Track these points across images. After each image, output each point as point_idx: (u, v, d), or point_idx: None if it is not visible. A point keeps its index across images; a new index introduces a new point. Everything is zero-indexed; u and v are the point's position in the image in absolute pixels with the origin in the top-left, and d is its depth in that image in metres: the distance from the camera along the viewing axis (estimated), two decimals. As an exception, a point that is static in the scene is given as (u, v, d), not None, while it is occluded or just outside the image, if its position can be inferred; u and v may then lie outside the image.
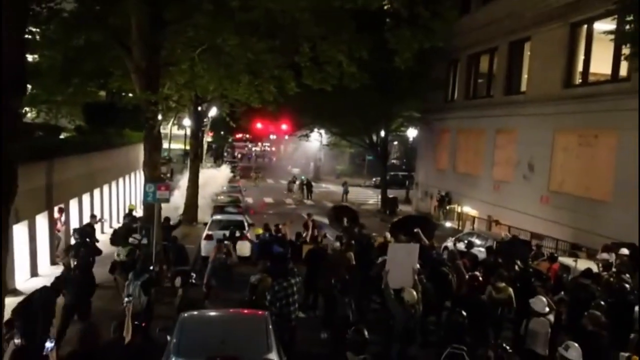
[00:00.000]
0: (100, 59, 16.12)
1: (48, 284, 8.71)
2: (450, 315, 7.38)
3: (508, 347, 6.44)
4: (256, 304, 9.31)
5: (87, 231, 14.56)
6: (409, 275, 8.22)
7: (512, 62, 23.82)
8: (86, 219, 18.51)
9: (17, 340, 6.28)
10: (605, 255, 13.94)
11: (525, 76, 22.82)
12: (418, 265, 8.65)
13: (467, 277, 10.16)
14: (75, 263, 11.01)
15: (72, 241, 14.61)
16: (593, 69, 19.14)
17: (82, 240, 13.43)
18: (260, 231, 14.81)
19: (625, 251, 13.28)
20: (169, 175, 37.15)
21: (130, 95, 17.31)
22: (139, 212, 18.33)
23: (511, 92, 23.73)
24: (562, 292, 10.66)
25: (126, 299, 6.62)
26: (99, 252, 13.18)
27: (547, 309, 8.30)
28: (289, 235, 14.76)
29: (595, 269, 11.83)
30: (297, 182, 39.74)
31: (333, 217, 19.11)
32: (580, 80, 19.62)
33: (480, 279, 9.96)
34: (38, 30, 17.33)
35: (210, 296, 11.66)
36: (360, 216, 29.00)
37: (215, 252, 12.32)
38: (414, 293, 7.74)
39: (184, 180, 26.45)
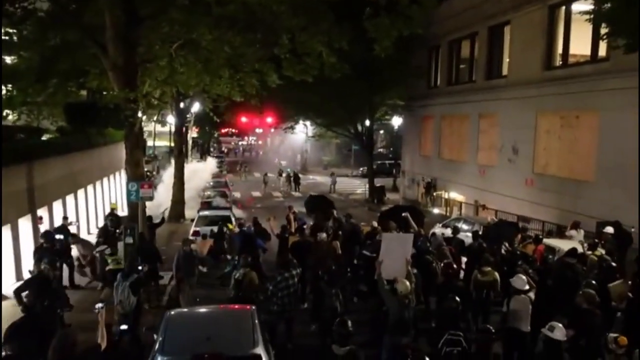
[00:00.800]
0: (77, 58, 15.91)
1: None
2: (443, 301, 7.38)
3: (492, 329, 6.47)
4: (243, 300, 9.26)
5: (60, 232, 13.96)
6: (403, 266, 8.17)
7: (493, 47, 23.88)
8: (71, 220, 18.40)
9: None
10: (573, 232, 14.24)
11: (506, 60, 22.88)
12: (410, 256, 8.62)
13: (441, 265, 10.23)
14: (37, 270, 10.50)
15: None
16: (573, 50, 19.24)
17: (50, 245, 12.45)
18: (232, 227, 14.42)
19: (610, 230, 13.44)
20: (155, 172, 36.93)
21: (110, 93, 17.10)
22: (124, 211, 18.12)
23: (493, 76, 23.80)
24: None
25: (98, 305, 6.44)
26: (67, 255, 12.94)
27: (527, 287, 8.42)
28: (275, 229, 14.69)
29: (580, 249, 11.99)
30: (284, 175, 39.69)
31: (309, 207, 19.16)
32: (560, 62, 19.73)
33: (455, 266, 10.08)
34: (14, 31, 17.09)
35: (182, 289, 11.48)
36: (348, 206, 29.29)
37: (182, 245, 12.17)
38: (407, 283, 7.67)
39: (168, 176, 26.27)
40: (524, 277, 8.59)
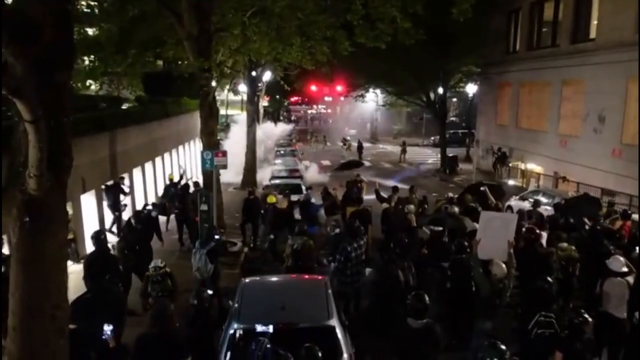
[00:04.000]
0: (154, 28, 16.24)
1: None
2: (534, 282, 6.94)
3: (584, 313, 6.00)
4: (302, 269, 9.16)
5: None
6: (503, 248, 7.63)
7: (580, 8, 22.28)
8: (149, 186, 19.16)
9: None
10: None
11: (594, 22, 21.31)
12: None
13: (523, 230, 9.65)
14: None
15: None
16: (671, 9, 17.64)
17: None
18: (274, 199, 13.59)
19: None
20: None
21: (185, 63, 17.44)
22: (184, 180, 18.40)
23: (579, 40, 22.27)
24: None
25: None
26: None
27: (625, 269, 7.73)
28: (339, 198, 14.66)
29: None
30: (346, 145, 39.25)
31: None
32: (656, 23, 18.14)
33: (537, 231, 9.49)
34: (95, 3, 17.66)
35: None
36: (419, 176, 28.78)
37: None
38: (503, 266, 7.18)
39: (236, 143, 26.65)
40: (621, 259, 7.93)
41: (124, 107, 21.26)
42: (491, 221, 7.95)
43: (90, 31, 20.58)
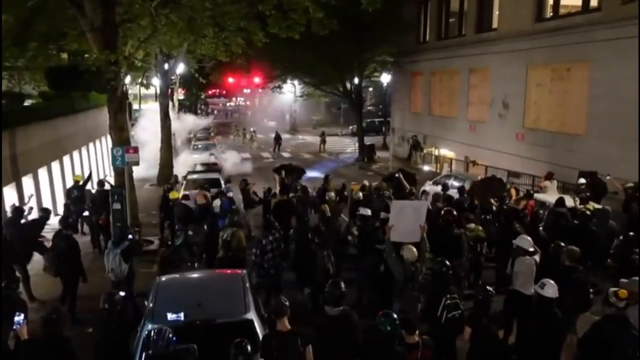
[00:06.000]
0: (54, 19, 15.33)
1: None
2: (434, 265, 7.18)
3: (491, 289, 6.36)
4: (233, 260, 9.15)
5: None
6: (415, 231, 7.83)
7: (483, -1, 23.37)
8: (57, 187, 18.14)
9: None
10: (547, 183, 14.54)
11: (496, 12, 22.43)
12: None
13: (442, 212, 10.07)
14: None
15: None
16: (564, 1, 18.87)
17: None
18: (177, 195, 13.47)
19: (582, 180, 13.76)
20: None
21: (90, 56, 16.60)
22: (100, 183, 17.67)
23: (483, 29, 23.37)
24: (541, 227, 10.79)
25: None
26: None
27: (532, 248, 8.19)
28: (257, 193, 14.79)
29: (571, 202, 12.04)
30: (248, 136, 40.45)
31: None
32: (551, 13, 19.35)
33: (455, 213, 9.93)
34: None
35: None
36: (338, 165, 29.17)
37: None
38: (414, 250, 7.39)
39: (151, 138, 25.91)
40: (528, 238, 8.34)
41: (27, 103, 19.96)
42: (403, 209, 8.24)
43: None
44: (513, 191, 14.24)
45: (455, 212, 9.99)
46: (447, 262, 6.96)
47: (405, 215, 8.01)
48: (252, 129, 43.04)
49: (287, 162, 22.06)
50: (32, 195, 14.70)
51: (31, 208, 14.03)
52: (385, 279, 8.09)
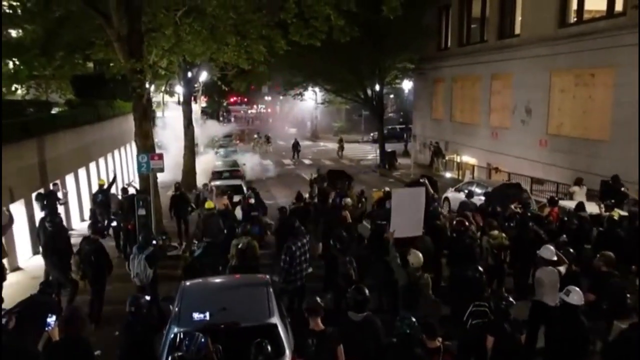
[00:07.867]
0: (81, 29, 15.69)
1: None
2: (466, 271, 7.11)
3: (511, 299, 6.29)
4: (247, 269, 9.19)
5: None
6: (418, 222, 7.69)
7: (505, 4, 23.23)
8: (84, 194, 18.48)
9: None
10: (576, 188, 14.30)
11: (519, 18, 22.28)
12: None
13: (454, 222, 10.03)
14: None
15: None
16: (588, 5, 18.68)
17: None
18: (212, 205, 12.94)
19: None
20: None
21: (116, 65, 16.94)
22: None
23: (505, 35, 23.22)
24: (564, 235, 10.64)
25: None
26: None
27: (555, 258, 7.94)
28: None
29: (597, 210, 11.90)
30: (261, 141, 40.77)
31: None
32: (575, 19, 19.15)
33: (467, 223, 9.85)
34: (17, 3, 16.88)
35: None
36: (359, 172, 29.15)
37: None
38: (420, 256, 7.30)
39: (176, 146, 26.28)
40: (552, 247, 8.10)
41: (54, 111, 20.41)
42: (401, 198, 8.14)
43: (14, 33, 19.68)
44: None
45: (466, 223, 9.92)
46: (480, 269, 6.88)
47: (404, 206, 7.93)
48: (267, 135, 43.37)
49: (307, 169, 22.13)
50: (66, 191, 15.04)
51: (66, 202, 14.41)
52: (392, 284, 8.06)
